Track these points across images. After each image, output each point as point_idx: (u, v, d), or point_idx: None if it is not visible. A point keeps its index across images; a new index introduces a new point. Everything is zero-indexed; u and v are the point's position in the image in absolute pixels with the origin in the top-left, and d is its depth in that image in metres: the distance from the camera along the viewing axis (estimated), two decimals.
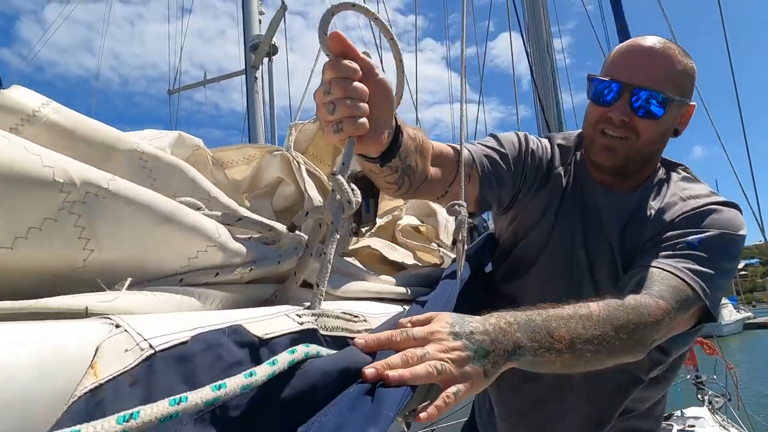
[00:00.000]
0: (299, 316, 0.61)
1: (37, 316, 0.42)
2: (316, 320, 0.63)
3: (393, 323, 0.77)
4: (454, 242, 1.01)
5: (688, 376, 5.06)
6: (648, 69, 1.08)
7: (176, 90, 8.40)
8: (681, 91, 1.10)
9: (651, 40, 1.12)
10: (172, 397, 0.37)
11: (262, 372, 0.46)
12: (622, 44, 1.17)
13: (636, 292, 0.96)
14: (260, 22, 5.21)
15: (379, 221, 1.18)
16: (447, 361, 0.67)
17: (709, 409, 4.98)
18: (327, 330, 0.64)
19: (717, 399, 5.23)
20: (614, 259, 1.15)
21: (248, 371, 0.45)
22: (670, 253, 1.02)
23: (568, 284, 1.20)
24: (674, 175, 1.21)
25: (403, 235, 1.35)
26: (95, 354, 0.39)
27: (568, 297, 1.08)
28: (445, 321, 0.73)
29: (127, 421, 0.33)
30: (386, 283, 1.00)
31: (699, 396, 5.18)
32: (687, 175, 1.22)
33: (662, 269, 0.98)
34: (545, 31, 4.57)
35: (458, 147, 1.12)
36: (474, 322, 0.75)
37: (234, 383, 0.42)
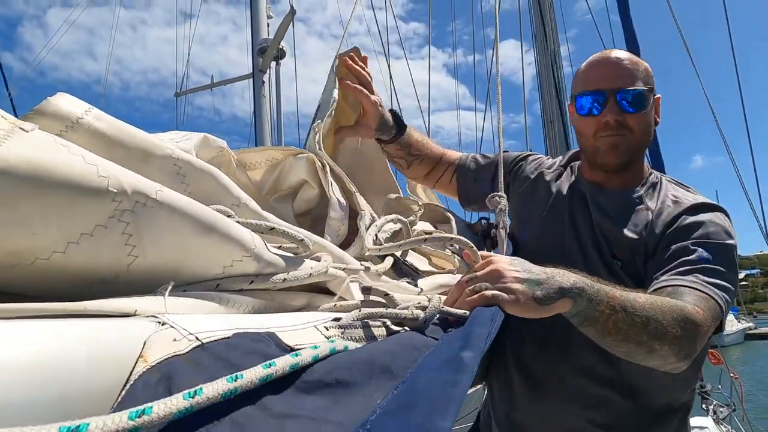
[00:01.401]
0: (327, 329, 0.63)
1: (91, 317, 0.45)
2: (342, 333, 0.64)
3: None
4: (494, 228, 1.09)
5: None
6: (621, 73, 1.25)
7: (183, 92, 8.45)
8: (649, 87, 1.26)
9: (613, 53, 1.31)
10: (229, 375, 0.40)
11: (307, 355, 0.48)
12: (587, 63, 1.33)
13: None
14: (268, 26, 5.23)
15: (393, 226, 1.21)
16: (501, 284, 0.82)
17: (713, 419, 4.94)
18: (355, 341, 0.65)
19: (721, 409, 5.20)
20: (604, 249, 1.23)
21: (294, 360, 0.47)
22: (687, 268, 1.06)
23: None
24: (666, 179, 1.32)
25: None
26: (143, 347, 0.41)
27: None
28: (504, 261, 0.88)
29: (193, 398, 0.36)
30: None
31: (703, 406, 5.15)
32: (680, 183, 1.33)
33: (687, 286, 1.03)
34: (553, 38, 4.58)
35: (460, 154, 1.62)
36: (533, 266, 0.88)
37: (282, 363, 0.45)
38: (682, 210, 1.18)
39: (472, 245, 0.92)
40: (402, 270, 1.10)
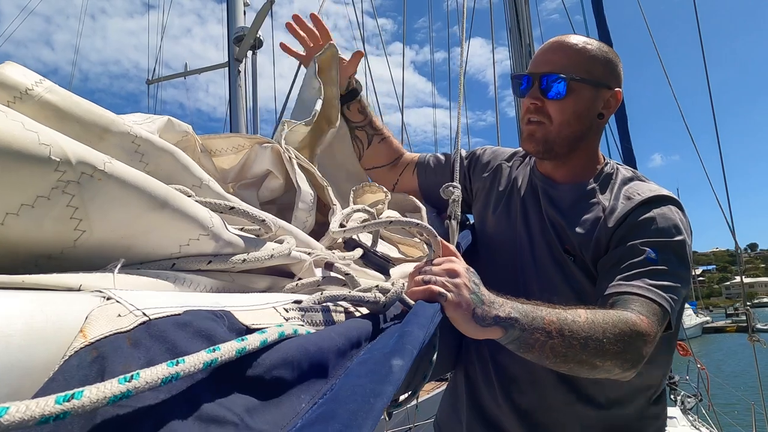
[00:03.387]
0: (286, 310, 0.62)
1: (30, 291, 0.43)
2: (303, 315, 0.63)
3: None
4: (447, 218, 1.09)
5: None
6: (551, 58, 1.25)
7: (156, 80, 8.27)
8: (591, 75, 1.23)
9: (562, 38, 1.28)
10: (170, 360, 0.38)
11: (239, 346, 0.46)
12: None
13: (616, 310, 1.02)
14: (245, 14, 5.15)
15: (361, 215, 1.19)
16: (452, 283, 0.83)
17: (681, 410, 5.09)
18: (314, 325, 0.65)
19: (689, 399, 5.35)
20: (555, 244, 1.24)
21: (240, 346, 0.45)
22: (635, 272, 1.08)
23: (512, 267, 1.31)
24: (622, 170, 1.31)
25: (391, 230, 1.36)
26: (84, 321, 0.40)
27: (513, 274, 1.30)
28: (462, 265, 0.88)
29: (129, 382, 0.34)
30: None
31: (671, 396, 5.29)
32: (636, 174, 1.30)
33: (633, 293, 1.05)
34: (528, 34, 4.61)
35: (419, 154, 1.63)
36: (483, 286, 0.89)
37: (228, 348, 0.43)
38: (634, 206, 1.17)
39: (436, 234, 0.91)
40: (372, 260, 1.08)
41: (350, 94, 1.55)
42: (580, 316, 0.94)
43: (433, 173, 1.58)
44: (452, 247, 0.94)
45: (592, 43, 1.27)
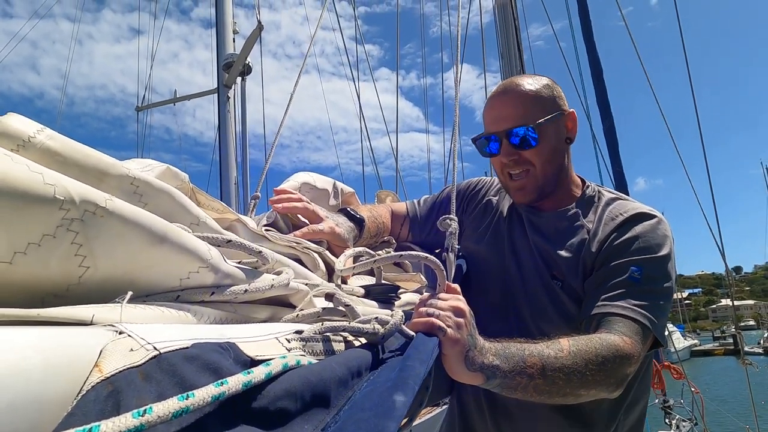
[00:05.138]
0: (288, 341, 0.62)
1: (44, 325, 0.43)
2: (304, 346, 0.64)
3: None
4: (444, 251, 1.10)
5: (656, 401, 5.14)
6: (509, 111, 1.26)
7: (145, 106, 8.20)
8: (547, 112, 1.26)
9: (509, 85, 1.31)
10: (180, 394, 0.39)
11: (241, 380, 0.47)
12: (488, 98, 1.36)
13: (599, 332, 1.05)
14: (234, 41, 5.19)
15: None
16: (455, 321, 0.84)
17: None
18: (315, 354, 0.65)
19: (684, 423, 5.31)
20: (543, 270, 1.26)
21: (246, 379, 0.46)
22: (618, 292, 1.11)
23: (503, 295, 1.31)
24: (604, 192, 1.34)
25: (384, 269, 1.37)
26: (99, 355, 0.40)
27: (504, 302, 1.30)
28: (467, 307, 0.89)
29: (143, 416, 0.35)
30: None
31: (666, 420, 5.25)
32: (618, 195, 1.34)
33: (617, 314, 1.08)
34: (519, 59, 4.67)
35: (407, 205, 1.61)
36: (476, 332, 0.90)
37: (235, 381, 0.44)
38: (617, 225, 1.20)
39: (443, 268, 0.94)
40: (374, 293, 1.08)
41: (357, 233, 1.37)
42: (562, 350, 0.96)
43: (422, 226, 1.57)
44: (456, 287, 0.94)
45: (532, 82, 1.30)
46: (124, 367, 0.41)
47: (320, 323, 0.69)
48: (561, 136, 1.30)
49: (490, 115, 1.30)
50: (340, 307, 0.77)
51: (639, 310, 1.07)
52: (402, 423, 0.89)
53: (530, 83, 1.29)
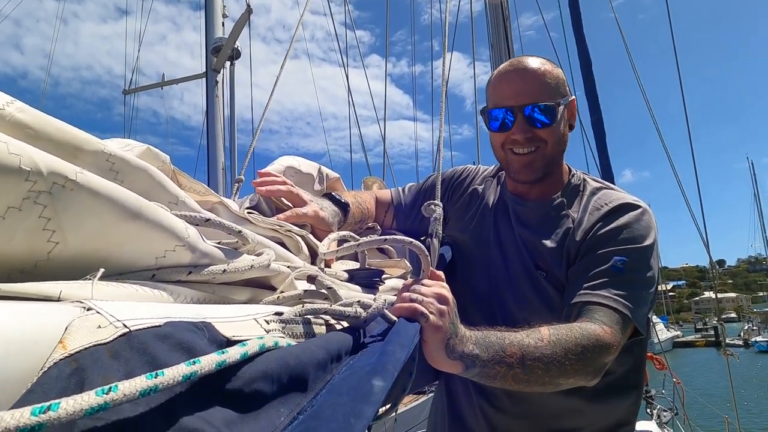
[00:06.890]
0: (267, 322, 0.61)
1: (7, 300, 0.41)
2: (283, 328, 0.63)
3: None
4: (429, 236, 1.08)
5: None
6: (527, 88, 1.24)
7: (132, 90, 8.07)
8: (560, 95, 1.26)
9: (522, 63, 1.28)
10: (149, 372, 0.37)
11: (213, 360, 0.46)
12: (496, 74, 1.32)
13: (580, 321, 1.05)
14: (223, 25, 5.12)
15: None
16: (438, 307, 0.83)
17: (657, 423, 5.12)
18: (294, 337, 0.64)
19: (665, 413, 5.40)
20: (527, 261, 1.26)
21: (220, 359, 0.44)
22: (601, 281, 1.11)
23: (487, 284, 1.31)
24: (590, 180, 1.34)
25: (368, 256, 1.35)
26: (65, 332, 0.39)
27: (488, 291, 1.30)
28: (450, 295, 0.88)
29: (107, 394, 0.33)
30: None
31: (648, 410, 5.33)
32: (604, 183, 1.34)
33: (597, 303, 1.08)
34: (509, 48, 4.65)
35: (392, 192, 1.58)
36: (458, 320, 0.89)
37: (208, 361, 0.42)
38: (601, 215, 1.20)
39: (427, 254, 0.92)
40: (358, 277, 1.06)
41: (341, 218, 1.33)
42: (542, 339, 0.95)
43: (407, 214, 1.55)
44: (440, 274, 0.93)
45: (546, 63, 1.28)
46: (90, 344, 0.39)
47: (301, 305, 0.67)
48: (566, 121, 1.30)
49: (507, 90, 1.26)
50: (323, 290, 0.75)
51: (620, 299, 1.08)
52: (384, 409, 0.89)
53: (545, 64, 1.27)
